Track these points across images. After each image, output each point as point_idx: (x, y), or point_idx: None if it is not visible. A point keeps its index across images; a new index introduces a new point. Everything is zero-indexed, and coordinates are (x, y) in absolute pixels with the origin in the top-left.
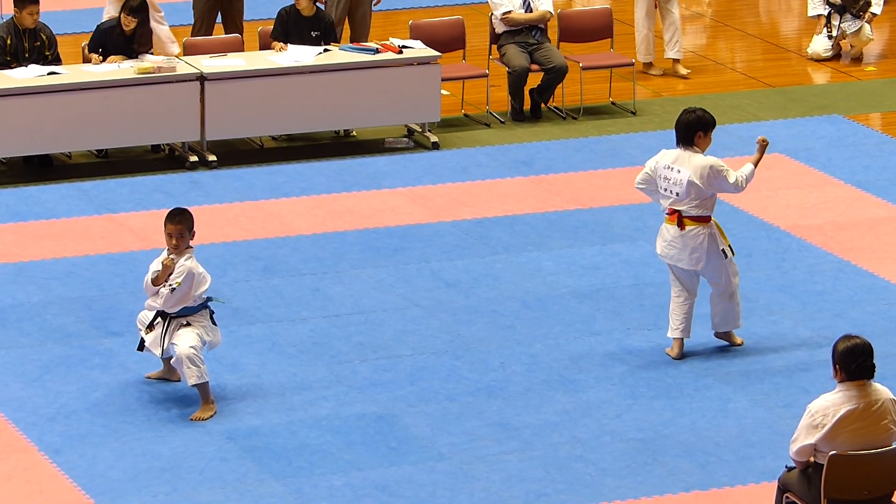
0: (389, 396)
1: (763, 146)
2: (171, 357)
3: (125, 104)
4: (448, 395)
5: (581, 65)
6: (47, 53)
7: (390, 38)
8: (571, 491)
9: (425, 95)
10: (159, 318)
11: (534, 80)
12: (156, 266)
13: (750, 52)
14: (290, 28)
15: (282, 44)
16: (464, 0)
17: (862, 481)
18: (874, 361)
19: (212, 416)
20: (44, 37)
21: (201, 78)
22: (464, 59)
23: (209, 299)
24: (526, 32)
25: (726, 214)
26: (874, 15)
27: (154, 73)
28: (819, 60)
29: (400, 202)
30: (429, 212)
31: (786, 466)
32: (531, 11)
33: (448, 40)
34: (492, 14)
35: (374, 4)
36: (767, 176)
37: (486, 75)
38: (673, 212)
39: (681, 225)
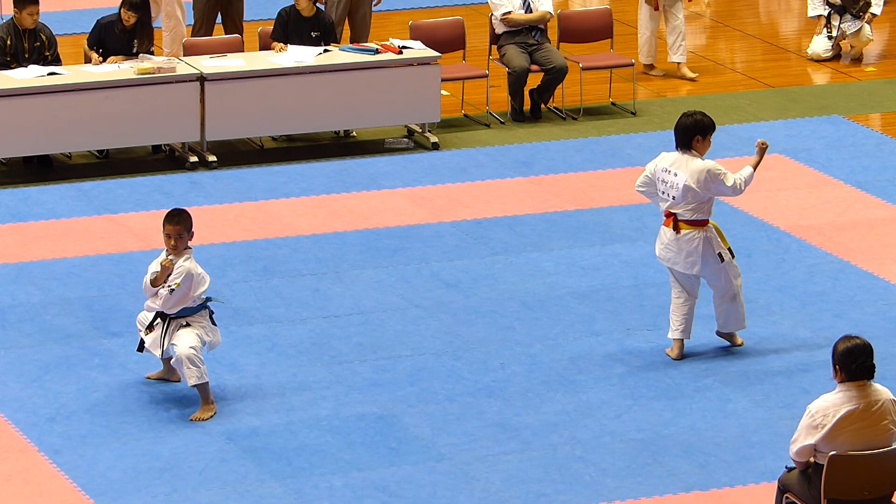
0: (389, 397)
1: (762, 149)
2: (170, 357)
3: (125, 104)
4: (448, 396)
5: (581, 65)
6: (47, 54)
7: (390, 39)
8: (571, 491)
9: (425, 96)
10: (159, 319)
11: (534, 80)
12: (154, 267)
13: (750, 52)
14: (289, 28)
15: (282, 44)
16: (464, 0)
17: (862, 482)
18: (874, 362)
19: (212, 417)
20: (43, 37)
21: (201, 78)
22: (464, 59)
23: (209, 299)
24: (526, 33)
25: (726, 215)
26: (874, 15)
27: (154, 73)
28: (819, 61)
29: (400, 202)
30: (429, 212)
31: (786, 467)
32: (531, 12)
33: (448, 41)
34: (492, 14)
35: (374, 5)
36: (767, 176)
37: (486, 76)
38: (669, 215)
39: (676, 228)
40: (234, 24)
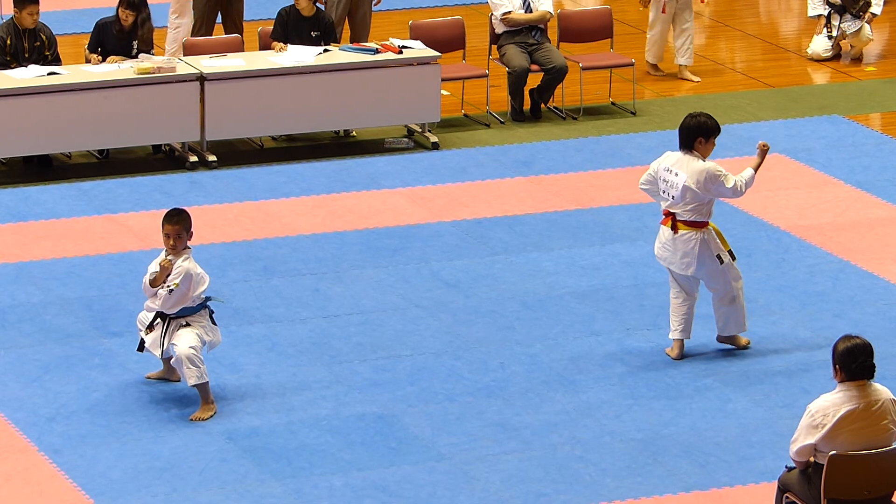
0: (389, 396)
1: (764, 151)
2: (170, 357)
3: (125, 104)
4: (448, 396)
5: (581, 65)
6: (47, 53)
7: (390, 39)
8: (571, 491)
9: (425, 95)
10: (159, 319)
11: (534, 80)
12: (154, 267)
13: (750, 52)
14: (289, 28)
15: (281, 44)
16: (464, 0)
17: (862, 481)
18: (874, 361)
19: (212, 417)
20: (43, 37)
21: (201, 78)
22: (464, 59)
23: (208, 299)
24: (526, 33)
25: (726, 215)
26: (874, 15)
27: (154, 73)
28: (819, 60)
29: (400, 202)
30: (428, 212)
31: (786, 466)
32: (531, 12)
33: (448, 40)
34: (492, 14)
35: (374, 4)
36: (767, 176)
37: (485, 75)
38: (668, 214)
39: (674, 228)
40: (234, 23)
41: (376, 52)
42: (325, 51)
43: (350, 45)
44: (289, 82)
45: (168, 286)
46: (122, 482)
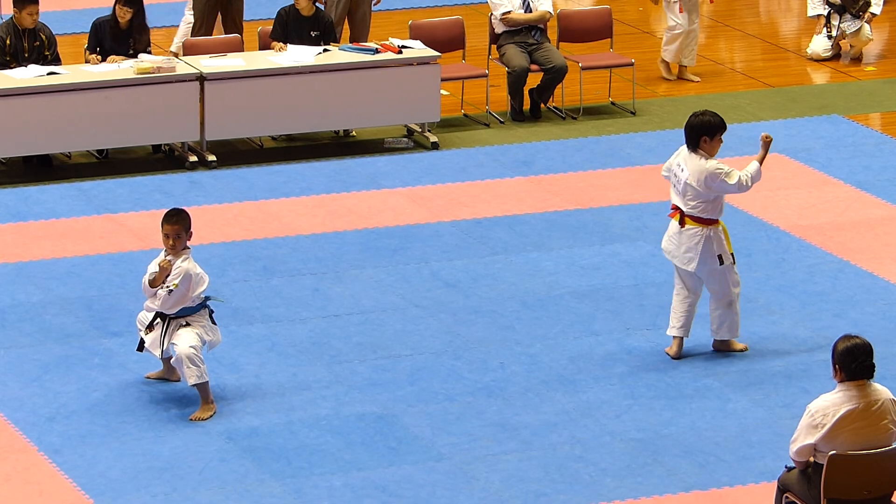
0: (389, 396)
1: (767, 143)
2: (170, 357)
3: (125, 104)
4: (448, 395)
5: (581, 65)
6: (47, 53)
7: (390, 38)
8: (571, 491)
9: (425, 95)
10: (158, 319)
11: (533, 80)
12: (153, 268)
13: (750, 52)
14: (289, 28)
15: (281, 44)
16: (463, 0)
17: (862, 481)
18: (874, 361)
19: (211, 416)
20: (43, 37)
21: (201, 78)
22: (463, 59)
23: (208, 298)
24: (525, 32)
25: (726, 215)
26: (874, 15)
27: (154, 73)
28: (819, 60)
29: (399, 202)
30: (428, 212)
31: (785, 466)
32: (531, 12)
33: (447, 40)
34: (491, 14)
35: (374, 4)
36: (767, 176)
37: (485, 75)
38: (676, 208)
39: (681, 222)
40: (234, 23)
41: (376, 51)
42: (325, 51)
43: (350, 44)
44: (288, 82)
45: (167, 286)
46: (121, 482)
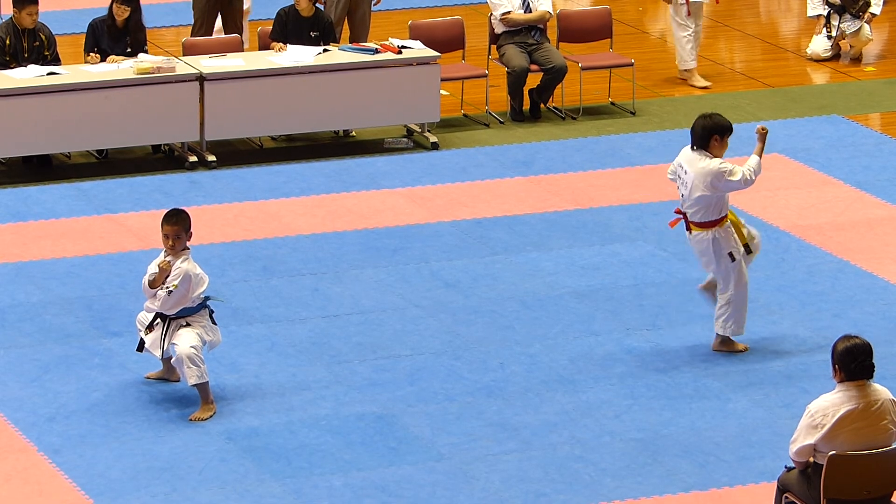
0: (389, 396)
1: (763, 135)
2: (170, 357)
3: (125, 104)
4: (447, 395)
5: (580, 65)
6: (46, 53)
7: (389, 39)
8: (570, 491)
9: (424, 95)
10: (159, 319)
11: (533, 80)
12: (153, 268)
13: (749, 52)
14: (289, 29)
15: (281, 44)
16: (463, 0)
17: (861, 481)
18: (873, 361)
19: (211, 417)
20: (43, 37)
21: (200, 78)
22: (463, 59)
23: (207, 298)
24: (525, 33)
25: None
26: (873, 15)
27: (153, 73)
28: (818, 60)
29: (399, 202)
30: (428, 212)
31: (785, 466)
32: (530, 12)
33: (447, 40)
34: (491, 14)
35: (374, 4)
36: (767, 176)
37: (485, 75)
38: (679, 212)
39: (688, 228)
40: (234, 23)
41: (376, 52)
42: (325, 51)
43: (349, 45)
44: (288, 82)
45: (167, 287)
46: (121, 482)
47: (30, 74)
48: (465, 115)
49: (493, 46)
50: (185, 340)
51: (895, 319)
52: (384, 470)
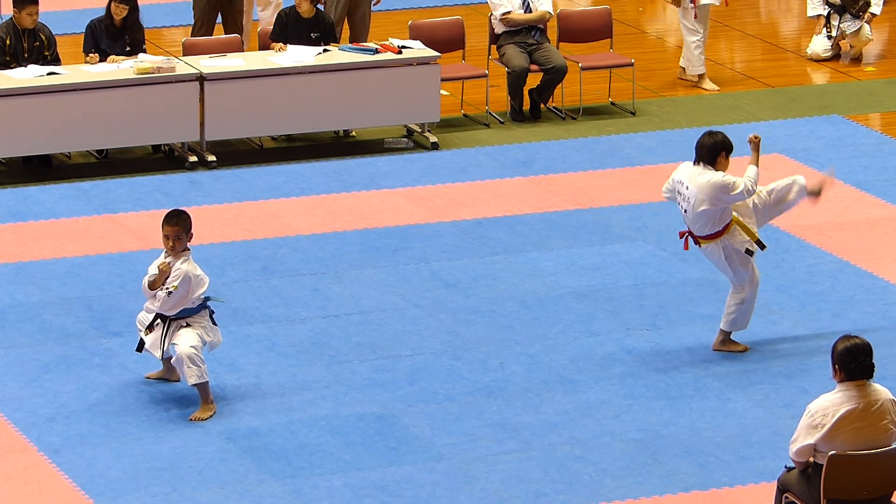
0: (389, 396)
1: (756, 144)
2: (171, 357)
3: (125, 104)
4: (447, 396)
5: (580, 65)
6: (46, 54)
7: (390, 39)
8: (570, 491)
9: (425, 95)
10: (159, 320)
11: (533, 80)
12: (154, 270)
13: (749, 52)
14: (289, 30)
15: (281, 44)
16: (463, 0)
17: (861, 481)
18: (873, 361)
19: (211, 417)
20: (43, 37)
21: (201, 78)
22: (463, 59)
23: (208, 299)
24: (525, 33)
25: None
26: (874, 15)
27: (153, 73)
28: (818, 60)
29: (399, 202)
30: (428, 212)
31: (785, 466)
32: (530, 12)
33: (447, 40)
34: (491, 14)
35: (374, 4)
36: (767, 176)
37: (485, 75)
38: (684, 234)
39: (697, 243)
40: (234, 23)
41: (376, 52)
42: (325, 51)
43: (349, 45)
44: (288, 82)
45: (167, 288)
46: (121, 482)
47: (30, 74)
48: (465, 115)
49: (494, 46)
50: (186, 340)
51: (895, 319)
52: (384, 470)
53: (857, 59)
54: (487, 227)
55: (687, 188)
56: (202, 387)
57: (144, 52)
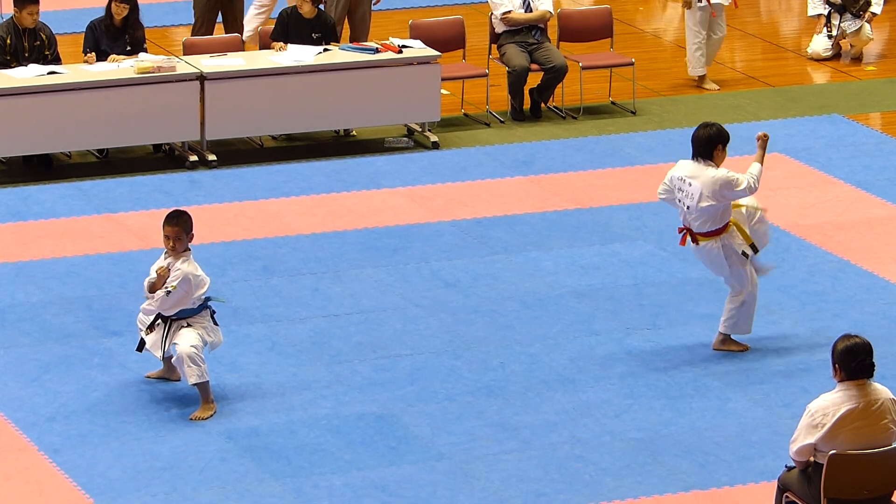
0: (389, 396)
1: (764, 141)
2: (171, 356)
3: (125, 104)
4: (447, 395)
5: (581, 64)
6: (47, 53)
7: (390, 38)
8: (571, 491)
9: (425, 95)
10: (160, 320)
11: (533, 79)
12: (154, 273)
13: (750, 51)
14: (290, 29)
15: (281, 43)
16: (464, 0)
17: (862, 481)
18: (874, 361)
19: (211, 416)
20: (43, 36)
21: (201, 78)
22: (463, 58)
23: (208, 299)
24: (526, 32)
25: None
26: (874, 14)
27: (154, 72)
28: (819, 60)
29: (399, 202)
30: (428, 211)
31: (785, 466)
32: (531, 11)
33: (448, 40)
34: (491, 14)
35: (374, 4)
36: (767, 176)
37: (485, 75)
38: (683, 230)
39: (695, 241)
40: (234, 23)
41: (376, 51)
42: (325, 50)
43: (350, 44)
44: (289, 82)
45: (166, 288)
46: (121, 482)
47: (30, 74)
48: (465, 115)
49: (494, 46)
50: (186, 340)
51: (895, 319)
52: (384, 470)
53: (857, 59)
54: (487, 226)
55: (690, 184)
56: (202, 386)
57: (145, 51)
